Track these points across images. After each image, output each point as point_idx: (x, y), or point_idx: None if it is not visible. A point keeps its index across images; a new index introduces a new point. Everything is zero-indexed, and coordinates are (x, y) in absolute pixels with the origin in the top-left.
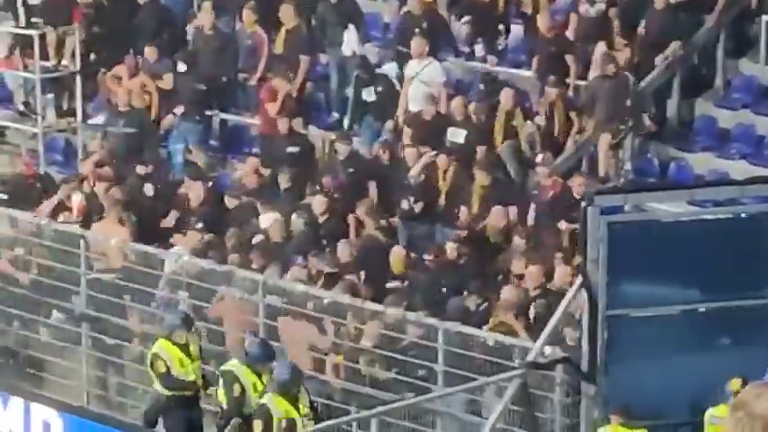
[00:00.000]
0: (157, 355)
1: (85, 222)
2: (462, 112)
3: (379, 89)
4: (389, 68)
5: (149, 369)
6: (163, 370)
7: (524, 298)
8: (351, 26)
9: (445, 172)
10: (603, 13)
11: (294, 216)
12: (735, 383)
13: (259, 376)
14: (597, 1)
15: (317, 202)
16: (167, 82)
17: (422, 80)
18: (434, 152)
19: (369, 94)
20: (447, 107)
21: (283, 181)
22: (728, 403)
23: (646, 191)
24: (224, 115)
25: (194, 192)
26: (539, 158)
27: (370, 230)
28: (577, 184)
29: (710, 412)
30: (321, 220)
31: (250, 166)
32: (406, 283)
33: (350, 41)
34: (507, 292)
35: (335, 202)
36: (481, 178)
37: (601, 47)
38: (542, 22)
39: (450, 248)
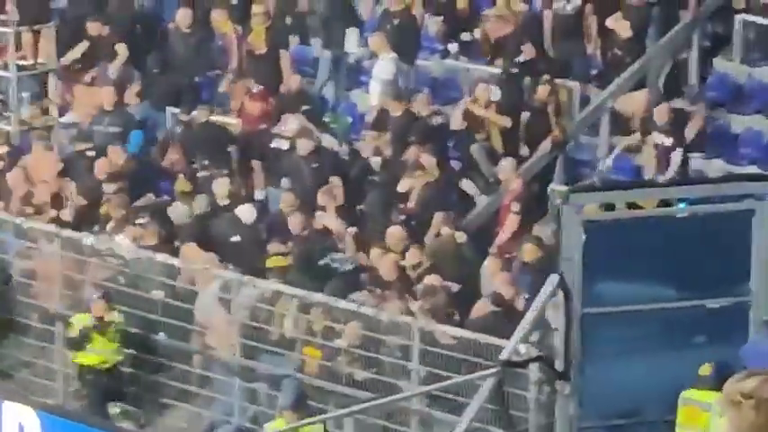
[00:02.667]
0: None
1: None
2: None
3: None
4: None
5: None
6: None
7: None
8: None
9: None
10: (579, 10)
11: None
12: (705, 368)
13: None
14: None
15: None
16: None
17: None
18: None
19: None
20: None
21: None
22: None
23: (621, 189)
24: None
25: None
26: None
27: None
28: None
29: (684, 395)
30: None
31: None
32: None
33: (351, 41)
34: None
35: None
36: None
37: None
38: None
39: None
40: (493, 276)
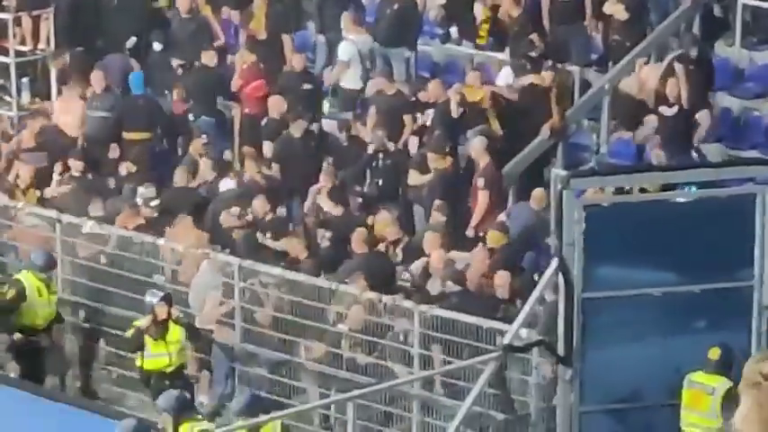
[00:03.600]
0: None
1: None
2: (439, 95)
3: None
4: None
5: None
6: None
7: None
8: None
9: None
10: None
11: None
12: (714, 352)
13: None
14: None
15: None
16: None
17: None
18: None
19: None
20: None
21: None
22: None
23: (621, 173)
24: None
25: None
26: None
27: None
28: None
29: (690, 377)
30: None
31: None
32: None
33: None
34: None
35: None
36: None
37: None
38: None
39: None
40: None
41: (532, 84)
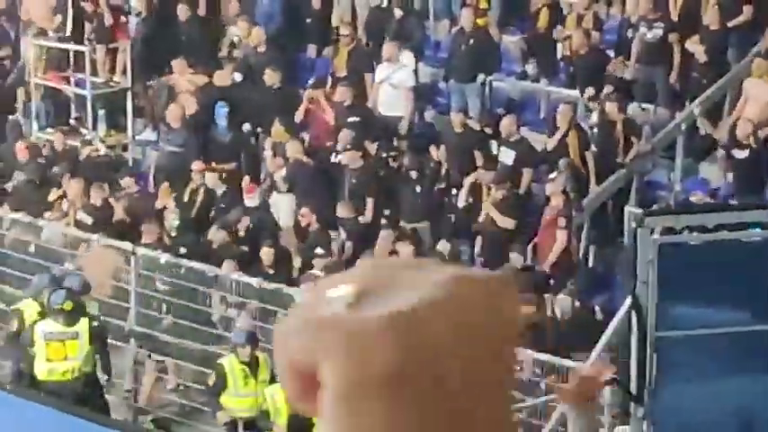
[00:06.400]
0: None
1: None
2: (512, 131)
3: None
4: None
5: None
6: None
7: None
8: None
9: (489, 190)
10: (662, 37)
11: None
12: None
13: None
14: (655, 26)
15: None
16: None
17: (391, 83)
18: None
19: None
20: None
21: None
22: None
23: (697, 212)
24: None
25: None
26: (552, 174)
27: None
28: None
29: None
30: None
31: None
32: None
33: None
34: None
35: None
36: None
37: None
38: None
39: None
40: None
41: (606, 119)
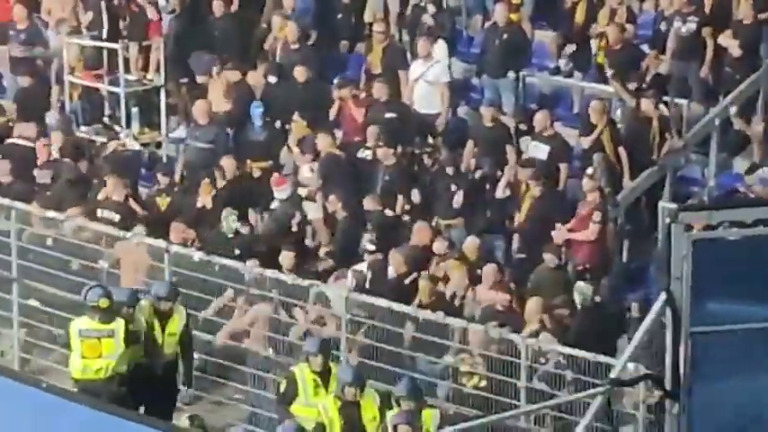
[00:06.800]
0: None
1: None
2: (545, 126)
3: None
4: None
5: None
6: None
7: None
8: (440, 41)
9: (527, 186)
10: (696, 31)
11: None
12: None
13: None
14: (689, 20)
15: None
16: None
17: (426, 80)
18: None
19: None
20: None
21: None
22: None
23: (732, 207)
24: None
25: None
26: (588, 170)
27: None
28: None
29: None
30: None
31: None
32: None
33: (438, 54)
34: None
35: None
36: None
37: None
38: (612, 33)
39: None
40: None
41: (639, 114)
